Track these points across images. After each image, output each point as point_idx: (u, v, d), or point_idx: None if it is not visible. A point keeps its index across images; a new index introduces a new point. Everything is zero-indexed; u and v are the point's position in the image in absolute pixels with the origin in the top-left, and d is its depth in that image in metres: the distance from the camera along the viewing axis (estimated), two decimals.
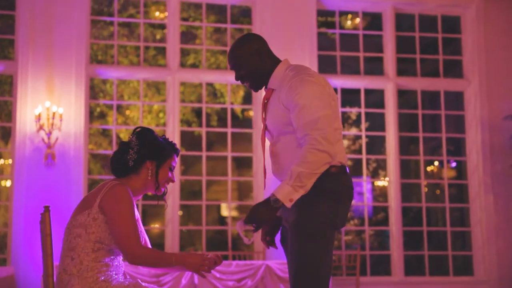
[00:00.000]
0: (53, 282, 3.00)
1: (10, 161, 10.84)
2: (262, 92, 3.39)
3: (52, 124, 7.19)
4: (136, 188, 3.14)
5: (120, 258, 3.10)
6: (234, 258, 7.89)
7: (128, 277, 3.16)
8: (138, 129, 3.20)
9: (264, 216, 2.99)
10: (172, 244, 7.66)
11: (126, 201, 3.00)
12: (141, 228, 3.15)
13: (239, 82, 8.79)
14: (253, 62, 3.23)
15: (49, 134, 7.20)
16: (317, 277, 3.06)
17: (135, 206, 3.09)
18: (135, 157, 3.11)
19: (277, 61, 3.29)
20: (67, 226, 3.08)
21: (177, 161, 3.25)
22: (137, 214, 3.12)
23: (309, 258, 3.05)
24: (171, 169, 3.20)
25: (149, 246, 3.18)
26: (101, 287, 2.94)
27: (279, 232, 3.38)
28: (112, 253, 3.04)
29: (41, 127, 7.20)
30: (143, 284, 3.04)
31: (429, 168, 10.92)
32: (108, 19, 8.93)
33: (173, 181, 3.23)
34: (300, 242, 3.06)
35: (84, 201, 3.08)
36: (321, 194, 3.07)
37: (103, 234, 2.99)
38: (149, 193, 3.26)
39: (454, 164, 10.46)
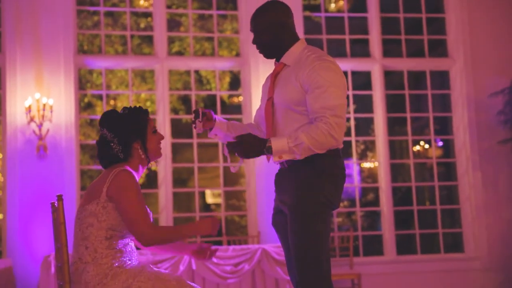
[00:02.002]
0: (68, 270, 3.03)
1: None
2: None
3: (43, 116, 7.16)
4: (137, 167, 3.18)
5: (133, 244, 3.13)
6: (229, 243, 7.94)
7: (139, 262, 3.20)
8: (102, 120, 3.17)
9: (251, 152, 3.07)
10: None
11: (132, 186, 3.03)
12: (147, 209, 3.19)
13: (226, 68, 8.83)
14: (275, 32, 3.26)
15: (40, 125, 7.17)
16: (320, 255, 3.12)
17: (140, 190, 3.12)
18: (121, 148, 3.12)
19: (296, 37, 3.33)
20: (77, 216, 3.10)
21: (152, 120, 3.25)
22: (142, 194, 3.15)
23: (311, 237, 3.12)
24: (155, 132, 3.22)
25: None
26: (116, 272, 2.98)
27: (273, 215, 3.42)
28: (125, 239, 3.08)
29: (31, 119, 7.17)
30: (153, 268, 3.09)
31: (415, 148, 11.04)
32: (94, 8, 8.88)
33: (163, 137, 3.27)
34: (301, 222, 3.12)
35: (91, 190, 3.10)
36: (320, 175, 3.14)
37: (115, 221, 3.02)
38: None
39: (440, 143, 10.59)
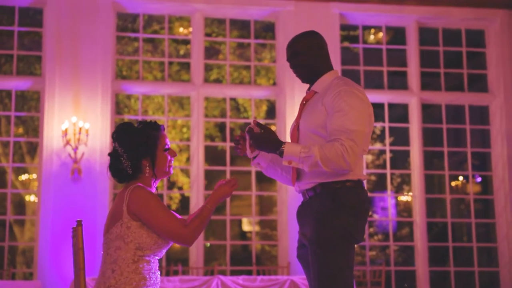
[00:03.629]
0: None
1: (34, 175, 10.96)
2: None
3: (79, 139, 7.25)
4: (149, 183, 3.15)
5: (158, 274, 3.11)
6: (258, 273, 7.86)
7: None
8: (115, 134, 3.15)
9: (266, 144, 3.14)
10: (196, 258, 7.66)
11: (151, 198, 3.02)
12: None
13: (261, 97, 8.84)
14: (315, 54, 3.32)
15: (75, 149, 7.26)
16: None
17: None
18: (129, 164, 3.09)
19: (330, 67, 3.38)
20: (104, 241, 3.09)
21: (166, 136, 3.19)
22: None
23: (331, 270, 3.07)
24: (166, 149, 3.17)
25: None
26: None
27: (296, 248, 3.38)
28: (151, 264, 3.05)
29: (67, 142, 7.26)
30: None
31: (453, 183, 10.84)
32: (133, 35, 9.02)
33: (175, 155, 3.22)
34: (321, 256, 3.08)
35: (112, 213, 3.09)
36: (340, 207, 3.11)
37: (141, 239, 3.01)
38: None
39: (479, 179, 10.38)
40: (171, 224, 3.00)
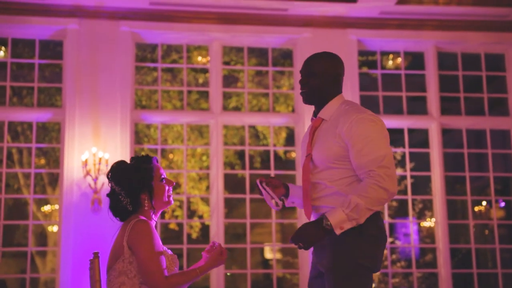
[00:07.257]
0: None
1: (56, 206, 11.02)
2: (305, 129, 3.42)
3: (99, 170, 7.28)
4: (148, 216, 3.15)
5: None
6: None
7: None
8: (109, 174, 3.17)
9: (312, 238, 2.98)
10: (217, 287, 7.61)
11: (147, 235, 3.01)
12: (167, 251, 3.14)
13: (280, 124, 8.82)
14: (325, 80, 3.27)
15: (95, 179, 7.29)
16: None
17: (158, 238, 3.06)
18: (129, 200, 3.11)
19: (338, 91, 3.32)
20: (108, 278, 3.08)
21: (160, 167, 3.21)
22: (159, 242, 3.10)
23: None
24: (163, 180, 3.18)
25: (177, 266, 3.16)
26: None
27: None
28: None
29: (87, 173, 7.30)
30: None
31: (476, 208, 10.70)
32: (152, 65, 9.08)
33: (172, 184, 3.22)
34: (339, 285, 3.01)
35: (114, 249, 3.09)
36: (358, 236, 3.06)
37: None
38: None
39: (502, 204, 10.23)
40: (152, 269, 2.95)
